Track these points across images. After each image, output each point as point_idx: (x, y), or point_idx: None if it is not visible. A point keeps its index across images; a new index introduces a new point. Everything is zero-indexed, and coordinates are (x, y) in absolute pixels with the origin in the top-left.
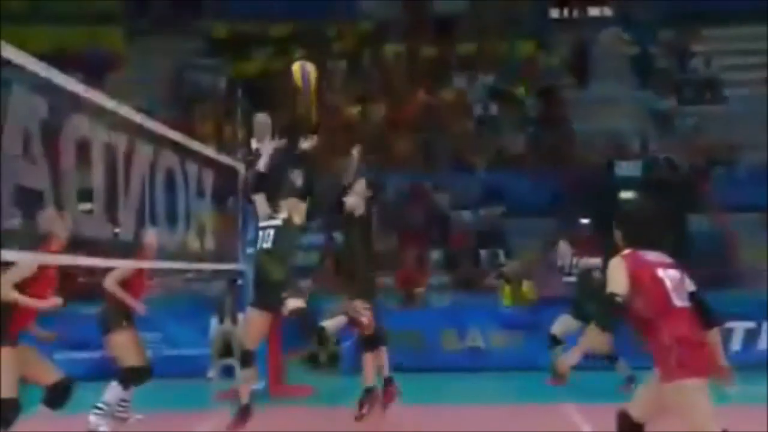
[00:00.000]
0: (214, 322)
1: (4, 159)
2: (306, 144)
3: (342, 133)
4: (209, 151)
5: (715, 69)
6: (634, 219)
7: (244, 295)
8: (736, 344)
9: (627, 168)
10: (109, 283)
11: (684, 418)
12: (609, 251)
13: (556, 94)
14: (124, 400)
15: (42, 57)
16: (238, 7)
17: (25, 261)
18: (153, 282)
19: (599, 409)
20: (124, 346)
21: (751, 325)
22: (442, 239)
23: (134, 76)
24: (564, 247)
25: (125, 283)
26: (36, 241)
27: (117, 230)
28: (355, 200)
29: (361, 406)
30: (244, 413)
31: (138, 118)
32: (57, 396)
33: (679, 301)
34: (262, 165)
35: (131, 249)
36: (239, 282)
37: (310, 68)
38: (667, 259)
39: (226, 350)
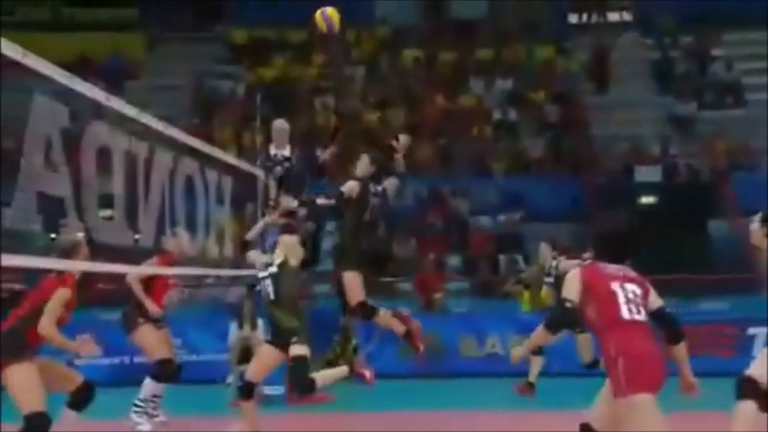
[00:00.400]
0: (233, 327)
1: (25, 166)
2: (325, 154)
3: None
4: (228, 158)
5: (735, 73)
6: (601, 233)
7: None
8: (757, 350)
9: (647, 173)
10: (131, 277)
11: None
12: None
13: (575, 99)
14: (156, 396)
15: (64, 65)
16: (256, 13)
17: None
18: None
19: None
20: (148, 341)
21: None
22: (461, 244)
23: (154, 82)
24: (545, 249)
25: (149, 282)
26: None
27: (137, 236)
28: (352, 184)
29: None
30: None
31: (158, 125)
32: (81, 398)
33: (631, 315)
34: (251, 234)
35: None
36: (258, 288)
37: (330, 11)
38: (630, 274)
39: (245, 356)
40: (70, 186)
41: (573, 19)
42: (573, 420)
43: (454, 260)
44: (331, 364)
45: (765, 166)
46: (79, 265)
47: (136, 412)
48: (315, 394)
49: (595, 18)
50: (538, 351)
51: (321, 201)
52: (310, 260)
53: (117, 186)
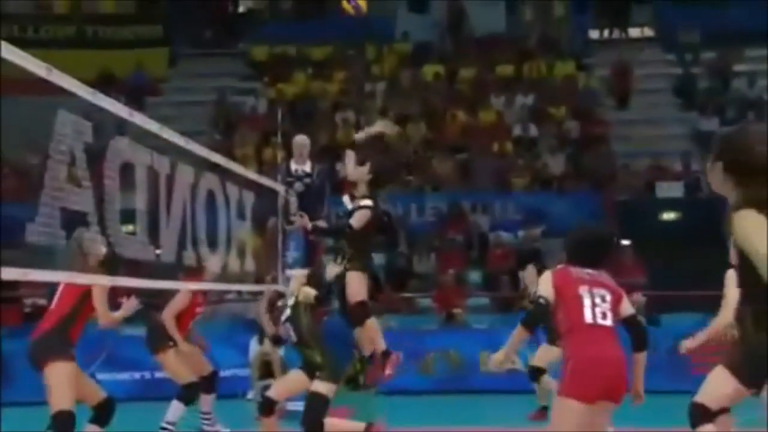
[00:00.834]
0: (253, 343)
1: (49, 182)
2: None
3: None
4: (249, 173)
5: (757, 89)
6: (570, 239)
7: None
8: None
9: (668, 189)
10: (167, 316)
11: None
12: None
13: (596, 115)
14: (206, 414)
15: (88, 81)
16: (277, 30)
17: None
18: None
19: None
20: (173, 366)
21: None
22: (481, 260)
23: (177, 99)
24: (531, 271)
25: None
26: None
27: (158, 252)
28: (363, 215)
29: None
30: None
31: (180, 141)
32: (104, 414)
33: (594, 319)
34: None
35: (190, 272)
36: (279, 303)
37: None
38: (602, 279)
39: (266, 371)
40: (93, 201)
41: (594, 35)
42: None
43: (474, 276)
44: (351, 379)
45: None
46: (100, 280)
47: None
48: None
49: (616, 34)
50: (539, 372)
51: (322, 225)
52: (324, 297)
53: (139, 201)
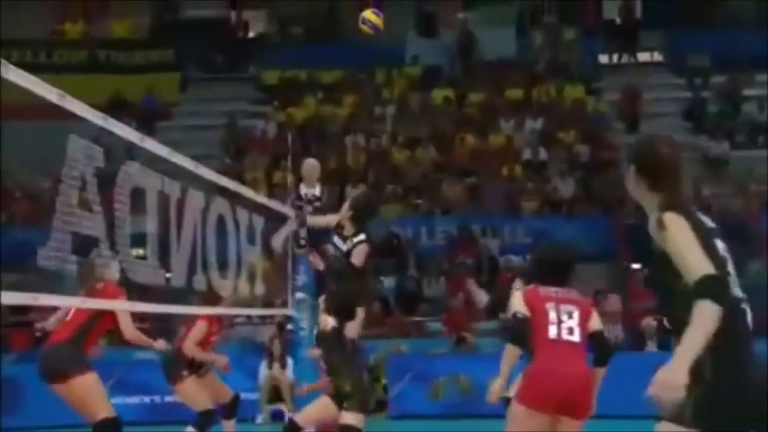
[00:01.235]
0: (263, 367)
1: (60, 206)
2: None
3: (390, 179)
4: (259, 197)
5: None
6: (534, 260)
7: (293, 340)
8: None
9: None
10: (189, 347)
11: None
12: None
13: (606, 139)
14: None
15: (99, 106)
16: (287, 55)
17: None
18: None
19: None
20: (191, 395)
21: None
22: (491, 284)
23: (187, 123)
24: (519, 286)
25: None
26: None
27: (169, 275)
28: (362, 251)
29: None
30: None
31: (191, 165)
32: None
33: (558, 335)
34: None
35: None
36: (288, 327)
37: (367, 14)
38: (570, 296)
39: (275, 395)
40: (103, 226)
41: (604, 59)
42: None
43: (484, 299)
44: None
45: None
46: (110, 305)
47: None
48: None
49: (625, 58)
50: None
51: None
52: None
53: (150, 225)
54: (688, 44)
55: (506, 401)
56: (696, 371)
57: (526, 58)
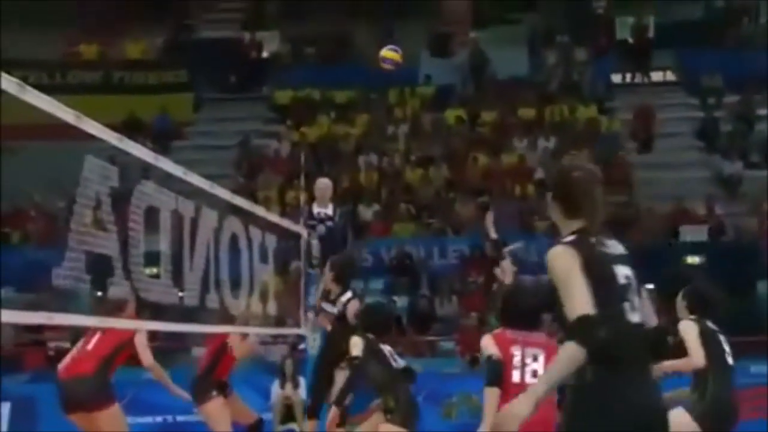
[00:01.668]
0: (275, 386)
1: (75, 226)
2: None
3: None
4: (272, 216)
5: None
6: (502, 303)
7: (306, 360)
8: None
9: (692, 233)
10: (147, 361)
11: None
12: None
13: (618, 159)
14: None
15: (113, 126)
16: (300, 75)
17: None
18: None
19: None
20: (216, 416)
21: None
22: None
23: (201, 142)
24: (506, 263)
25: (221, 356)
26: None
27: (182, 294)
28: (357, 343)
29: None
30: None
31: (205, 185)
32: None
33: (522, 379)
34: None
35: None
36: (301, 347)
37: (385, 53)
38: (535, 338)
39: (288, 415)
40: (117, 245)
41: (616, 79)
42: None
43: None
44: None
45: None
46: (124, 324)
47: None
48: None
49: (638, 78)
50: None
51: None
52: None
53: (163, 244)
54: (701, 64)
55: None
56: (576, 400)
57: (539, 78)
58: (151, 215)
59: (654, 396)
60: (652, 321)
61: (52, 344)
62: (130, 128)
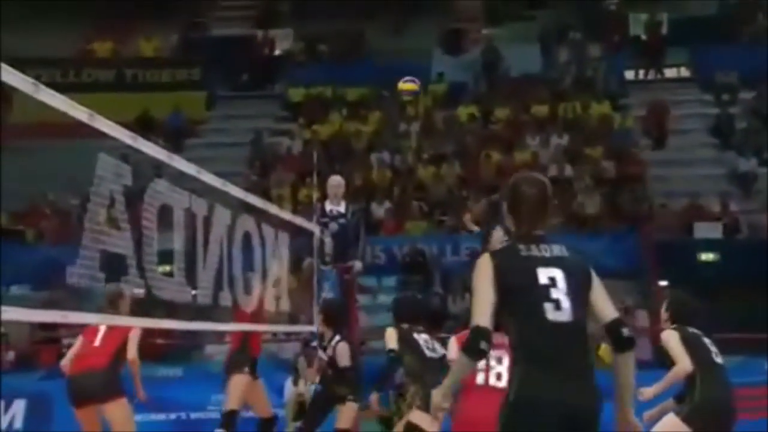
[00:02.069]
0: (288, 383)
1: (89, 224)
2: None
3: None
4: (285, 213)
5: None
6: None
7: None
8: None
9: (707, 230)
10: (131, 353)
11: None
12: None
13: (632, 155)
14: None
15: (126, 124)
16: (313, 72)
17: None
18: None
19: None
20: (234, 389)
21: None
22: None
23: (214, 140)
24: (498, 233)
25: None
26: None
27: (194, 293)
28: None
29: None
30: None
31: (217, 183)
32: None
33: (486, 382)
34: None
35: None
36: (314, 344)
37: (402, 87)
38: (504, 341)
39: (301, 412)
40: (131, 243)
41: (629, 75)
42: None
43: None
44: (386, 421)
45: None
46: (139, 322)
47: None
48: None
49: (652, 74)
50: None
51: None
52: None
53: (177, 242)
54: (716, 60)
55: None
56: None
57: (552, 75)
58: (165, 213)
59: (574, 391)
60: (609, 315)
61: (65, 341)
62: (143, 126)
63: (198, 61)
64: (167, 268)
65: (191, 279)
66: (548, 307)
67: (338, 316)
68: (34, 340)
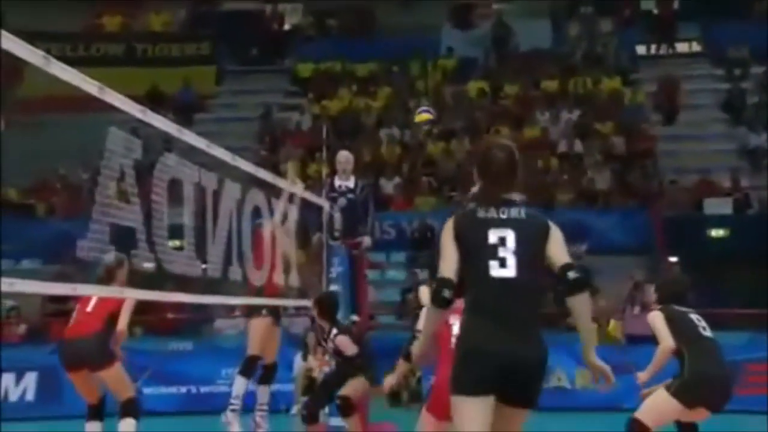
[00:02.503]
0: (297, 358)
1: (99, 198)
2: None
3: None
4: (294, 188)
5: None
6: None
7: None
8: None
9: (717, 205)
10: (122, 325)
11: None
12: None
13: (642, 131)
14: (262, 405)
15: (136, 98)
16: (322, 48)
17: None
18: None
19: None
20: (253, 334)
21: None
22: None
23: (223, 115)
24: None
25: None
26: None
27: (204, 266)
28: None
29: None
30: None
31: (227, 157)
32: (130, 409)
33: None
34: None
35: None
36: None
37: (418, 119)
38: (460, 305)
39: (310, 387)
40: (141, 217)
41: (641, 50)
42: None
43: None
44: (394, 395)
45: None
46: (149, 295)
47: (231, 410)
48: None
49: (663, 49)
50: None
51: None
52: None
53: (186, 216)
54: (728, 35)
55: None
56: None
57: (562, 50)
58: (175, 187)
59: (515, 341)
60: (560, 262)
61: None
62: (153, 101)
63: (207, 35)
64: (177, 242)
65: (201, 253)
66: (493, 264)
67: (331, 308)
68: (45, 313)
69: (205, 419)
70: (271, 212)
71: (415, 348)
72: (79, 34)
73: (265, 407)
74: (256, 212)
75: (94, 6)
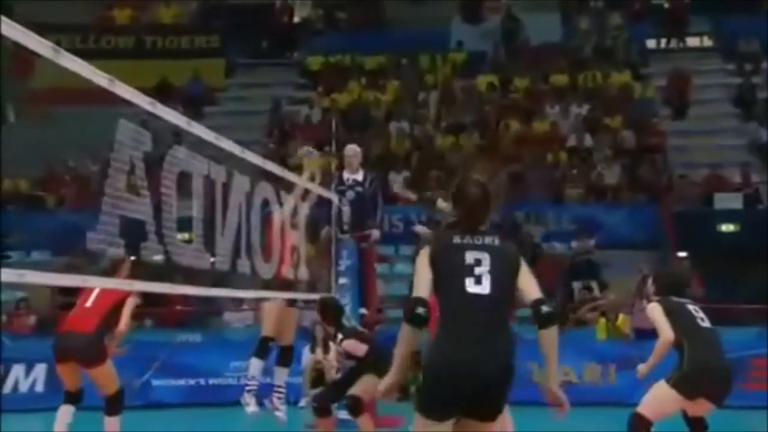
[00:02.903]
0: (306, 351)
1: (109, 190)
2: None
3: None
4: (303, 181)
5: None
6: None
7: None
8: None
9: (727, 200)
10: (123, 323)
11: None
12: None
13: (652, 125)
14: (279, 387)
15: (145, 90)
16: (331, 41)
17: None
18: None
19: None
20: (266, 316)
21: None
22: (534, 271)
23: (233, 108)
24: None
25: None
26: None
27: (213, 259)
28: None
29: None
30: None
31: (236, 149)
32: (115, 404)
33: None
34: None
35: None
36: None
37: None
38: None
39: (319, 380)
40: (151, 209)
41: (651, 44)
42: None
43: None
44: (403, 388)
45: None
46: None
47: (248, 391)
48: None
49: (674, 44)
50: None
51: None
52: None
53: (196, 210)
54: (739, 29)
55: None
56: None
57: (572, 44)
58: (184, 180)
59: (483, 355)
60: (532, 296)
61: None
62: (162, 93)
63: (217, 28)
64: (186, 235)
65: (210, 245)
66: (469, 281)
67: (336, 313)
68: (54, 305)
69: (212, 411)
70: (281, 205)
71: (387, 378)
72: (90, 26)
73: (282, 390)
74: (265, 205)
75: None
